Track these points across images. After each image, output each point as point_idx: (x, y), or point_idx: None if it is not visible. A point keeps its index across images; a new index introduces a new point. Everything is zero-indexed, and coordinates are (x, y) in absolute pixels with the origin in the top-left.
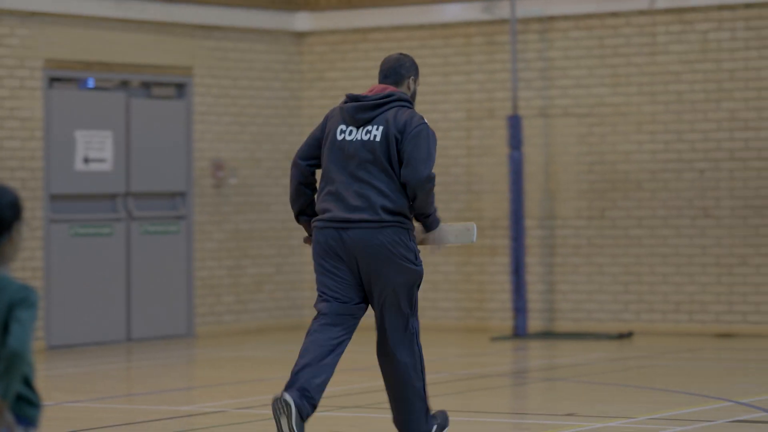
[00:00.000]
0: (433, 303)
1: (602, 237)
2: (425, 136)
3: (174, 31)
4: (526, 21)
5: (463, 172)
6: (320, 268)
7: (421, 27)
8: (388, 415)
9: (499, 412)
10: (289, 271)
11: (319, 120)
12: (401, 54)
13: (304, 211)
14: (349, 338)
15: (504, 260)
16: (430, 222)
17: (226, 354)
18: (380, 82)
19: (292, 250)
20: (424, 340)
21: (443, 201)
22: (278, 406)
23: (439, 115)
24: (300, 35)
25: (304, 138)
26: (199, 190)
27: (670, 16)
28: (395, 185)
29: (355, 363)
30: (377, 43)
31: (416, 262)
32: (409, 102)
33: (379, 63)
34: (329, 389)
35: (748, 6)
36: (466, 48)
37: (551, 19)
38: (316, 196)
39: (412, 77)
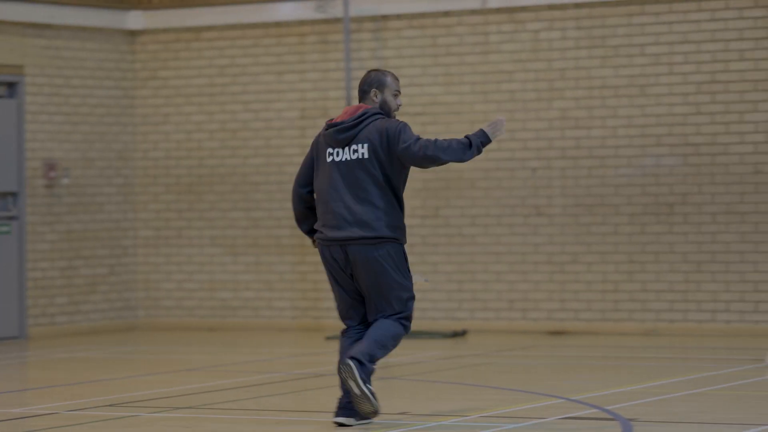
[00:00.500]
0: (268, 302)
1: (436, 235)
2: (404, 128)
3: (4, 29)
4: (360, 20)
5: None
6: (333, 281)
7: (254, 26)
8: (223, 416)
9: (333, 411)
10: (123, 272)
11: (154, 118)
12: (369, 71)
13: (312, 230)
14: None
15: None
16: (477, 151)
17: (59, 355)
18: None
19: (125, 251)
20: (260, 339)
21: (278, 200)
22: (342, 370)
23: (273, 114)
24: (132, 34)
25: (137, 137)
26: (31, 191)
27: (501, 15)
28: (390, 200)
29: (189, 364)
30: (210, 42)
31: (406, 277)
32: (379, 113)
33: (212, 62)
34: (162, 390)
35: (578, 6)
36: (300, 47)
37: (384, 18)
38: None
39: (374, 89)
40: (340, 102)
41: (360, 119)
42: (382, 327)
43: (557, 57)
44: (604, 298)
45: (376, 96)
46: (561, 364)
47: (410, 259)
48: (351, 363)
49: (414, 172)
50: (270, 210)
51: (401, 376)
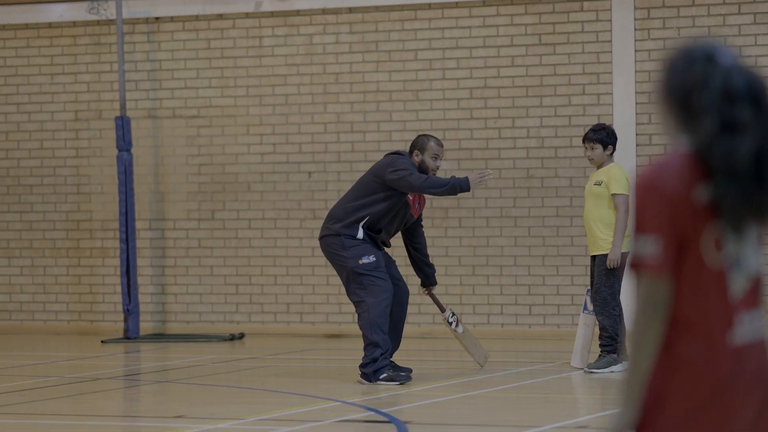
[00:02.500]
0: (44, 306)
1: (213, 239)
2: (399, 160)
3: None
4: (133, 22)
5: (72, 174)
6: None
7: (26, 26)
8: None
9: (110, 415)
10: None
11: None
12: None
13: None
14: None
15: (115, 262)
16: (457, 192)
17: None
18: None
19: None
20: (35, 343)
21: (52, 203)
22: None
23: (46, 116)
24: None
25: None
26: None
27: (275, 19)
28: (353, 199)
29: None
30: None
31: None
32: (398, 153)
33: None
34: None
35: (351, 10)
36: (73, 48)
37: (158, 20)
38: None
39: (416, 151)
40: (113, 104)
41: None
42: None
43: (331, 61)
44: None
45: (417, 156)
46: (338, 367)
47: (187, 262)
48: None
49: (190, 175)
50: (44, 212)
51: (178, 380)
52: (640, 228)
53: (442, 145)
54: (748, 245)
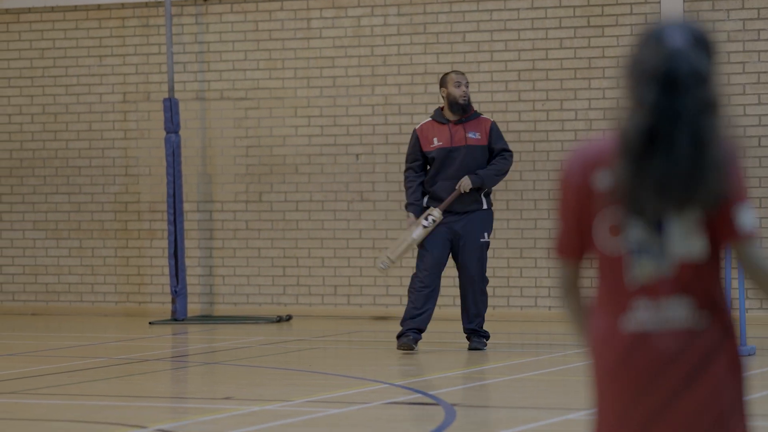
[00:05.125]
0: (92, 287)
1: (260, 221)
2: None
3: None
4: (182, 4)
5: (120, 155)
6: None
7: (75, 8)
8: (46, 401)
9: (158, 396)
10: None
11: None
12: None
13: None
14: None
15: (162, 244)
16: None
17: None
18: None
19: None
20: (83, 324)
21: (100, 185)
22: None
23: (94, 98)
24: None
25: None
26: None
27: (323, 1)
28: None
29: (11, 349)
30: (30, 25)
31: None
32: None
33: (32, 45)
34: None
35: None
36: (121, 30)
37: (206, 2)
38: None
39: (441, 89)
40: (162, 86)
41: None
42: None
43: (379, 43)
44: None
45: (443, 92)
46: (385, 349)
47: (235, 244)
48: None
49: (237, 157)
50: (93, 194)
51: (225, 362)
52: (556, 214)
53: (461, 72)
54: (674, 231)
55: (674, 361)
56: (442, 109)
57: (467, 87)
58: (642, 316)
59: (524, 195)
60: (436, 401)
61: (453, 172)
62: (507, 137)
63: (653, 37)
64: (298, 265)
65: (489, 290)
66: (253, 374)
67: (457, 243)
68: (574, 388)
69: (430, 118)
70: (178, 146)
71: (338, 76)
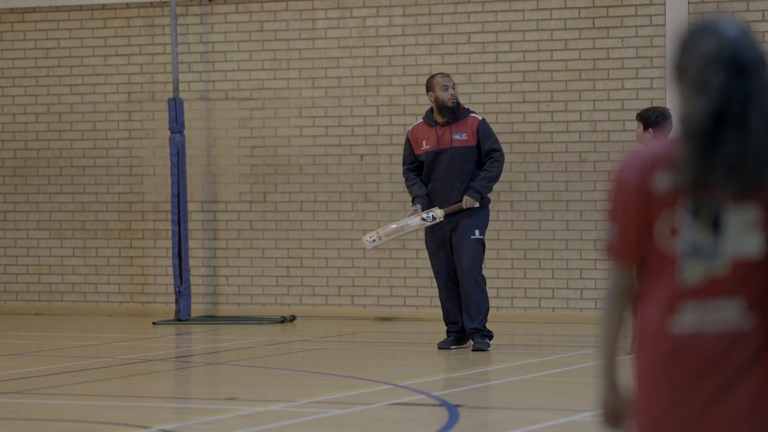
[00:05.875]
0: (96, 287)
1: (264, 221)
2: None
3: None
4: (187, 4)
5: (125, 155)
6: None
7: (80, 8)
8: (50, 401)
9: (162, 396)
10: None
11: None
12: None
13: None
14: None
15: (166, 244)
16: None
17: None
18: None
19: None
20: (87, 324)
21: (105, 184)
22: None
23: (99, 97)
24: None
25: None
26: None
27: (328, 1)
28: None
29: (15, 348)
30: (35, 24)
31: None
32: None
33: (37, 44)
34: None
35: None
36: (126, 30)
37: (211, 2)
38: None
39: (429, 93)
40: (166, 86)
41: None
42: None
43: (384, 44)
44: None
45: (431, 96)
46: (389, 350)
47: (239, 244)
48: None
49: (242, 157)
50: (97, 194)
51: (229, 362)
52: (608, 216)
53: (447, 75)
54: (730, 227)
55: (719, 363)
56: (432, 110)
57: (455, 89)
58: (690, 318)
59: (528, 196)
60: (440, 402)
61: (440, 174)
62: (512, 138)
63: (707, 29)
64: (302, 265)
65: (493, 291)
66: (257, 375)
67: (451, 240)
68: (578, 390)
69: (422, 120)
70: (183, 146)
71: (343, 76)
